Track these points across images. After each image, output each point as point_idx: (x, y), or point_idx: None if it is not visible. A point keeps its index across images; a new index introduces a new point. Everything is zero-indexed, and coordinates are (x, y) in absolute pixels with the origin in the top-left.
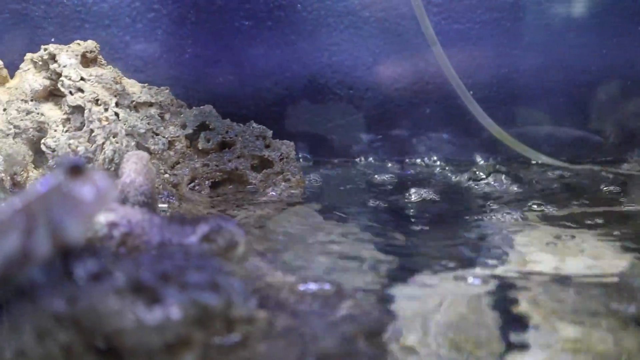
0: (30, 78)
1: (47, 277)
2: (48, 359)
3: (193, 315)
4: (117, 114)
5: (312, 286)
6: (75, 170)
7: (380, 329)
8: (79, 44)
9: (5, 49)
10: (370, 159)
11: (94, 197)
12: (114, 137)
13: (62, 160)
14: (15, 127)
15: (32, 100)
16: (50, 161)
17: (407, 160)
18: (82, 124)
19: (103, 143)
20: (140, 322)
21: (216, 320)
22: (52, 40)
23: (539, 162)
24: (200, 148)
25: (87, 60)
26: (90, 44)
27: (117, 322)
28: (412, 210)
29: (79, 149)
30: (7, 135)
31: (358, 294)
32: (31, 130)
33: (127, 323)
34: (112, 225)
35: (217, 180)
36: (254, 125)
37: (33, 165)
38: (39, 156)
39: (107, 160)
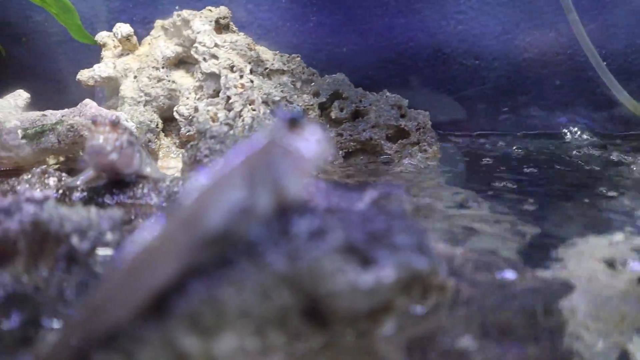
0: (161, 45)
1: (267, 234)
2: (265, 319)
3: (403, 279)
4: (252, 81)
5: (510, 274)
6: (294, 123)
7: (557, 301)
8: (210, 10)
9: (130, 18)
10: (496, 131)
11: (313, 152)
12: (250, 105)
13: (280, 113)
14: (146, 94)
15: (163, 68)
16: (182, 129)
17: (533, 133)
18: (215, 91)
19: (241, 110)
20: (354, 284)
21: (419, 285)
22: (177, 8)
23: None
24: (333, 117)
25: (220, 27)
26: (223, 10)
27: (332, 283)
28: (547, 182)
29: (218, 115)
30: (138, 102)
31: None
32: (162, 97)
33: (341, 285)
34: None
35: (350, 150)
36: (388, 94)
37: (163, 134)
38: (168, 124)
39: (246, 127)
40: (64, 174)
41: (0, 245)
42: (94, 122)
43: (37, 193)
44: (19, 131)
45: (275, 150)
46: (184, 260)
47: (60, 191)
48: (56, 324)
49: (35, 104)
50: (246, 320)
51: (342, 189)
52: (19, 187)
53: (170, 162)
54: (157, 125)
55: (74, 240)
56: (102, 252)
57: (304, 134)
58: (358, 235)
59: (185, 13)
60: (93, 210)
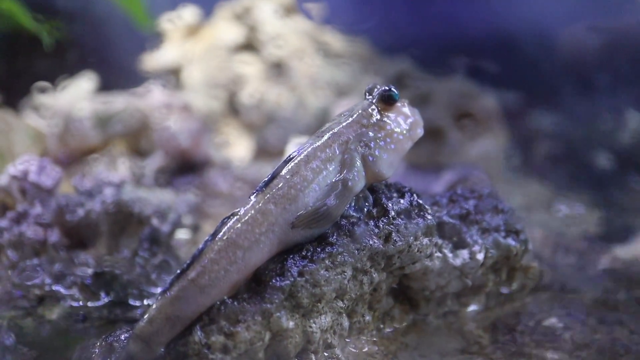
0: (225, 30)
1: (360, 211)
2: (358, 296)
3: (494, 259)
4: (317, 65)
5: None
6: (388, 100)
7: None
8: None
9: (192, 2)
10: (563, 117)
11: (406, 130)
12: (316, 89)
13: (373, 88)
14: (210, 79)
15: (227, 52)
16: (246, 114)
17: (599, 120)
18: (281, 76)
19: (307, 94)
20: (446, 263)
21: (507, 266)
22: None
23: None
24: None
25: (285, 11)
26: None
27: (425, 261)
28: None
29: (284, 99)
30: (202, 87)
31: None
32: (225, 82)
33: (434, 263)
34: None
35: None
36: (455, 79)
37: (228, 119)
38: (232, 109)
39: (313, 111)
40: (132, 159)
41: (83, 227)
42: (165, 107)
43: (115, 176)
44: (88, 116)
45: (365, 125)
46: (280, 236)
47: (131, 175)
48: (143, 303)
49: (99, 89)
50: (340, 298)
51: (420, 170)
52: (95, 170)
53: (234, 147)
54: (220, 110)
55: (155, 222)
56: (181, 234)
57: (397, 111)
58: (450, 215)
59: None
60: (169, 193)
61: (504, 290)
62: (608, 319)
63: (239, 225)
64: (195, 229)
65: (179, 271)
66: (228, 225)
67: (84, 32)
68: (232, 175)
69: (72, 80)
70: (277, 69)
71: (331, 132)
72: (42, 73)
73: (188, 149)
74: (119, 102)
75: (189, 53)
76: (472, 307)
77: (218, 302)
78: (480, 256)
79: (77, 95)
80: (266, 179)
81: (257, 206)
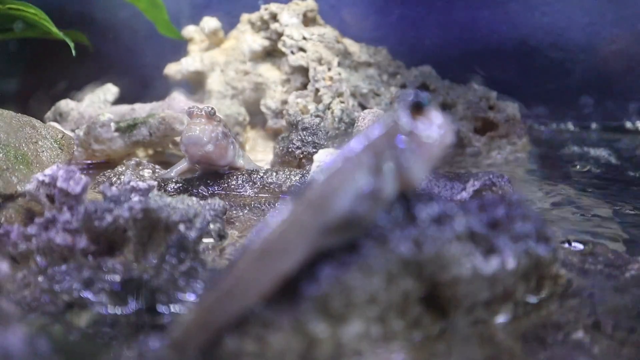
0: (248, 38)
1: (392, 219)
2: (389, 305)
3: (524, 267)
4: (339, 74)
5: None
6: (418, 107)
7: None
8: (297, 3)
9: (215, 12)
10: (581, 123)
11: (437, 137)
12: (339, 97)
13: (404, 96)
14: (232, 88)
15: (249, 61)
16: (269, 121)
17: (617, 126)
18: (303, 84)
19: (330, 102)
20: (477, 271)
21: (536, 274)
22: (260, 2)
23: None
24: None
25: (307, 20)
26: (311, 3)
27: (456, 269)
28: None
29: (308, 107)
30: (225, 96)
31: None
32: (248, 91)
33: (465, 271)
34: None
35: None
36: (476, 86)
37: (249, 127)
38: (254, 117)
39: (336, 119)
40: (157, 166)
41: (110, 233)
42: (190, 113)
43: (142, 183)
44: (112, 124)
45: (398, 133)
46: (312, 245)
47: (155, 182)
48: (171, 309)
49: (123, 98)
50: (372, 306)
51: (443, 178)
52: (123, 177)
53: (257, 154)
54: (244, 118)
55: (182, 228)
56: (207, 240)
57: (428, 118)
58: (480, 223)
59: (273, 6)
60: (196, 200)
61: (532, 299)
62: (638, 329)
63: (271, 233)
64: (221, 235)
65: (212, 279)
66: (260, 233)
67: (110, 40)
68: (257, 182)
69: (98, 88)
70: (300, 77)
71: (364, 138)
72: (67, 80)
73: (213, 156)
74: (143, 109)
75: (213, 61)
76: (501, 316)
77: (249, 310)
78: (510, 264)
79: (103, 103)
80: (298, 187)
81: (289, 214)
